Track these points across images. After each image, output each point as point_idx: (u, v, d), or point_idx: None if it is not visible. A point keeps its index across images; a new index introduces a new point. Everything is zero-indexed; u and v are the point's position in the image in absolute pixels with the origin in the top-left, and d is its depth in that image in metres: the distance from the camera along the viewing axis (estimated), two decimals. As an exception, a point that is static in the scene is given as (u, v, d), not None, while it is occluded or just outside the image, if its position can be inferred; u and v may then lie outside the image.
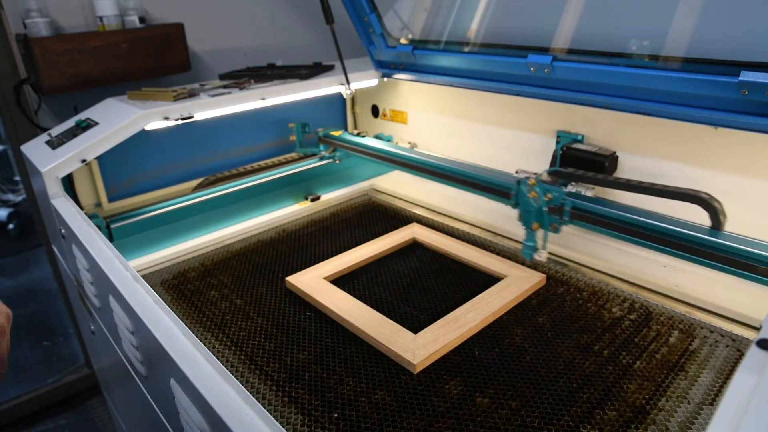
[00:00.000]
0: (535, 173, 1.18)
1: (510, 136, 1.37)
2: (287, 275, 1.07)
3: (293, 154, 1.62)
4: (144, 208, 1.25)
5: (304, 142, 1.59)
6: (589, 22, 1.15)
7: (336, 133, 1.52)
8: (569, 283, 1.01)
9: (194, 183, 1.45)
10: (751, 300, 0.89)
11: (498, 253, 1.12)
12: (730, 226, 0.86)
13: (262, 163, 1.57)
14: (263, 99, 1.41)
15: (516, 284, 0.98)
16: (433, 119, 1.58)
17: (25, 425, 2.00)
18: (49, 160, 1.15)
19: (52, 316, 1.97)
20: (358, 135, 1.51)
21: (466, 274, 1.07)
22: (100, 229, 1.09)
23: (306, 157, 1.60)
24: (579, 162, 1.14)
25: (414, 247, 1.20)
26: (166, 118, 1.25)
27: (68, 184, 1.23)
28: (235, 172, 1.49)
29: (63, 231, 1.11)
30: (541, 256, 1.00)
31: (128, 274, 0.83)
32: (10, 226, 3.27)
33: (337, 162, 1.56)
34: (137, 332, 0.81)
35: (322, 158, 1.57)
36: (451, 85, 1.41)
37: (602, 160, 1.11)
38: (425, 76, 1.47)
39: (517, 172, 1.20)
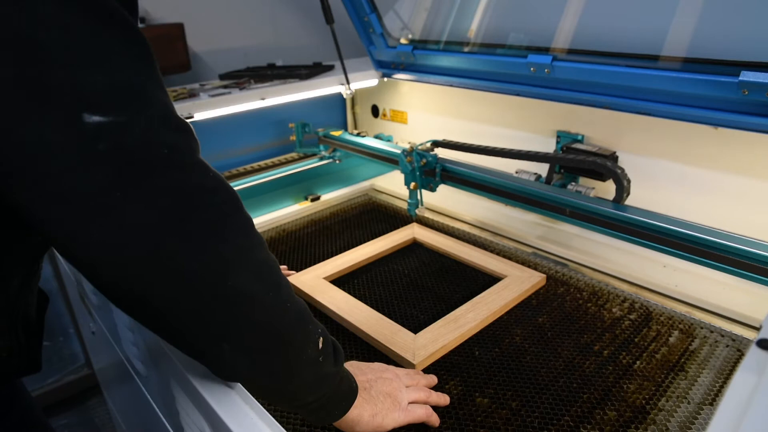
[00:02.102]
0: (535, 173, 1.18)
1: (510, 136, 1.37)
2: (287, 275, 1.07)
3: (293, 154, 1.62)
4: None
5: (304, 142, 1.59)
6: (589, 22, 1.15)
7: (336, 133, 1.52)
8: (569, 283, 1.01)
9: (194, 183, 1.45)
10: (751, 300, 0.89)
11: (498, 253, 1.12)
12: (731, 226, 0.86)
13: (262, 163, 1.57)
14: (263, 99, 1.41)
15: (516, 284, 0.98)
16: (433, 119, 1.58)
17: (25, 425, 1.99)
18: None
19: (52, 316, 1.97)
20: (358, 135, 1.51)
21: (466, 274, 1.07)
22: (100, 229, 1.08)
23: (306, 157, 1.60)
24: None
25: (414, 247, 1.20)
26: (166, 118, 1.25)
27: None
28: (235, 172, 1.49)
29: (63, 231, 1.11)
30: (421, 211, 1.30)
31: (128, 274, 0.83)
32: (10, 226, 3.26)
33: (337, 162, 1.56)
34: (137, 332, 0.81)
35: (322, 158, 1.57)
36: (451, 85, 1.41)
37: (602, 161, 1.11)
38: (425, 76, 1.47)
39: (517, 172, 1.20)
